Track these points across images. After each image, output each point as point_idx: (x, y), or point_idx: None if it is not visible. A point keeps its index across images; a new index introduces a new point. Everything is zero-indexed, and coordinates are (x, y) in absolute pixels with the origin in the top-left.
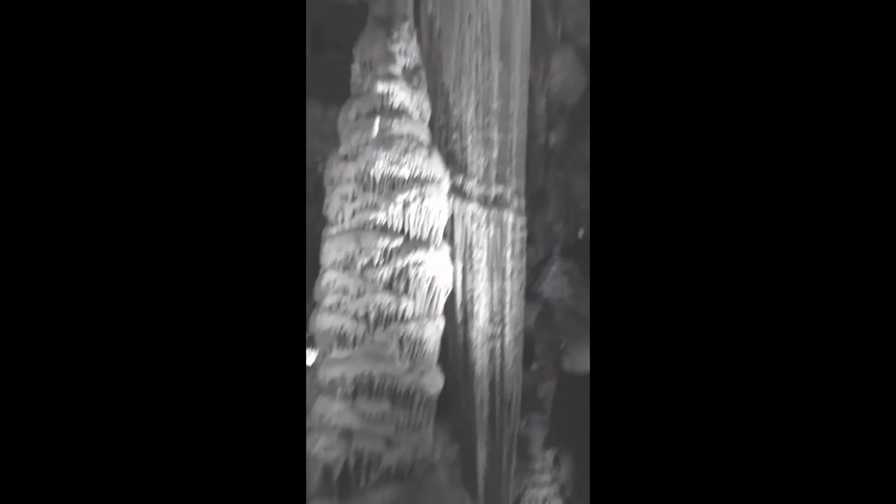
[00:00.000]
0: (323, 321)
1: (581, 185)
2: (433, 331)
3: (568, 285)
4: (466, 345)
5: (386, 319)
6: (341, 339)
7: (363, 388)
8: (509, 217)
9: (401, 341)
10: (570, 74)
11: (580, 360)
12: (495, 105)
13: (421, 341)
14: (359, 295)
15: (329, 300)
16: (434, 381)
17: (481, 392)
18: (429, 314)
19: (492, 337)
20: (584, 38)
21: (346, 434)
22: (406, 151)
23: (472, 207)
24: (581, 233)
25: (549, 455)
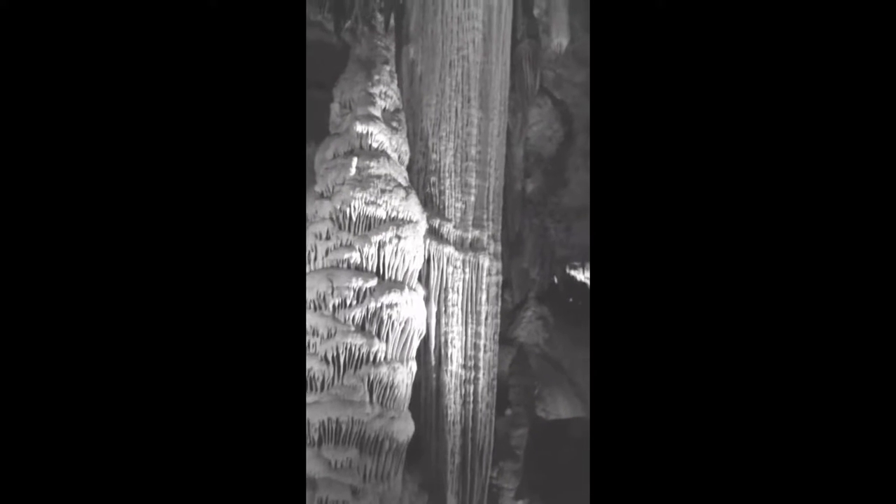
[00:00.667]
0: None
1: (556, 232)
2: (405, 375)
3: (542, 330)
4: (439, 390)
5: (357, 362)
6: (309, 382)
7: (329, 435)
8: (485, 261)
9: (371, 385)
10: (548, 125)
11: (553, 407)
12: (474, 151)
13: (392, 385)
14: (329, 336)
15: None
16: (404, 428)
17: (453, 439)
18: (401, 358)
19: (465, 382)
20: (561, 92)
21: (310, 483)
22: (383, 192)
23: (449, 251)
24: (555, 279)
25: None
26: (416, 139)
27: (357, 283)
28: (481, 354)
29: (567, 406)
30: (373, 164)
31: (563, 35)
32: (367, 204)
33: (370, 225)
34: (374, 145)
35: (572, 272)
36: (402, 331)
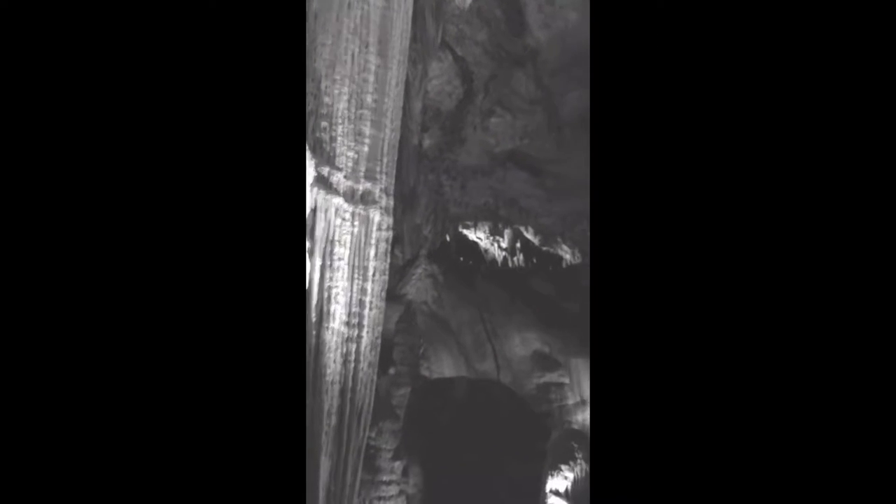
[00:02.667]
0: None
1: (451, 189)
2: None
3: (431, 288)
4: (319, 348)
5: None
6: None
7: None
8: (375, 215)
9: None
10: (448, 81)
11: (438, 366)
12: (370, 99)
13: None
14: None
15: None
16: None
17: (330, 399)
18: None
19: (347, 340)
20: (463, 49)
21: None
22: None
23: (338, 202)
24: (448, 237)
25: (398, 466)
26: (307, 80)
27: None
28: (366, 311)
29: (451, 365)
30: None
31: None
32: None
33: None
34: None
35: (465, 231)
36: None
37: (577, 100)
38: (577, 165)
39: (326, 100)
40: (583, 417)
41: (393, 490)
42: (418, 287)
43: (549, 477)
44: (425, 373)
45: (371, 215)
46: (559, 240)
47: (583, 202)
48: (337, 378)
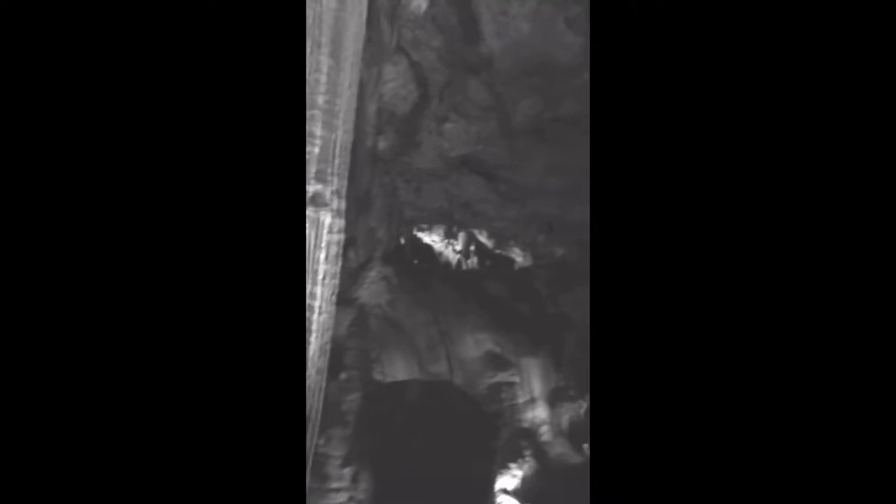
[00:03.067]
0: None
1: (406, 192)
2: None
3: (385, 291)
4: None
5: None
6: None
7: None
8: (326, 218)
9: None
10: (402, 84)
11: (391, 369)
12: (321, 100)
13: None
14: None
15: None
16: None
17: None
18: None
19: None
20: (418, 53)
21: None
22: None
23: None
24: (402, 240)
25: (348, 472)
26: None
27: None
28: (315, 316)
29: (404, 368)
30: None
31: None
32: None
33: None
34: None
35: (419, 234)
36: None
37: (529, 108)
38: (528, 171)
39: None
40: (532, 416)
41: (342, 497)
42: (372, 290)
43: (499, 476)
44: (378, 377)
45: (322, 218)
46: (511, 243)
47: (535, 207)
48: None
